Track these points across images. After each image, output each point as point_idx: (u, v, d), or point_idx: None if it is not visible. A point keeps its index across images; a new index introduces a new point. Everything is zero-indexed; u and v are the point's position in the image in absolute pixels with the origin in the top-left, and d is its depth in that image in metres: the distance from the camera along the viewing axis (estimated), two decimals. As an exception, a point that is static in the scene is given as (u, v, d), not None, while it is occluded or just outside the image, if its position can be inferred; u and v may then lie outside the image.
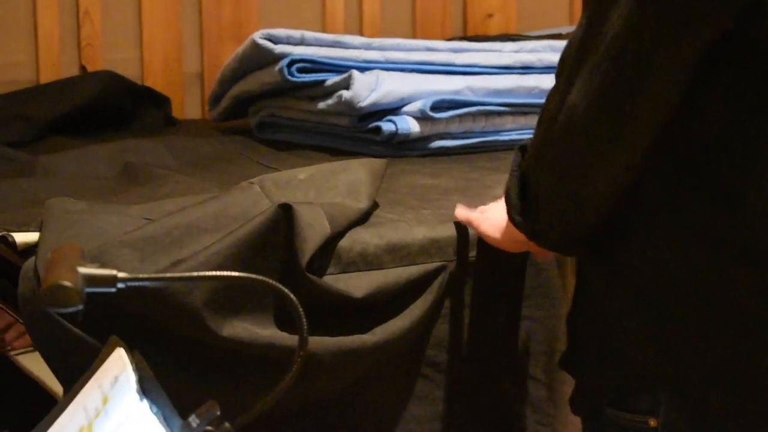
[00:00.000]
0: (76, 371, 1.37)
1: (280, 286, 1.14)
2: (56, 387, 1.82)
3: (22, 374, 2.02)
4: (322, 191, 1.67)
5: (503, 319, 1.65)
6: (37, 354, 1.97)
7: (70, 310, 1.07)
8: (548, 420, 1.66)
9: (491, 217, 1.56)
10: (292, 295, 1.12)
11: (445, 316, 1.62)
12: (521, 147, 1.42)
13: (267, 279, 1.13)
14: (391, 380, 1.60)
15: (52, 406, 1.43)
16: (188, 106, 3.08)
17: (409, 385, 1.60)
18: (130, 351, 1.29)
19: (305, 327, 1.13)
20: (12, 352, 2.08)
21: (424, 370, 1.61)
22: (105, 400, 1.27)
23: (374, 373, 1.58)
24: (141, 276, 1.14)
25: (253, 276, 1.17)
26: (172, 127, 2.72)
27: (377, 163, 1.80)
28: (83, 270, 1.08)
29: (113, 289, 1.11)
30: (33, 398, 1.96)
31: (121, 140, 2.35)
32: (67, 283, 1.05)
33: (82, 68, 2.88)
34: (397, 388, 1.60)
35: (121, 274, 1.10)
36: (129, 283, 1.09)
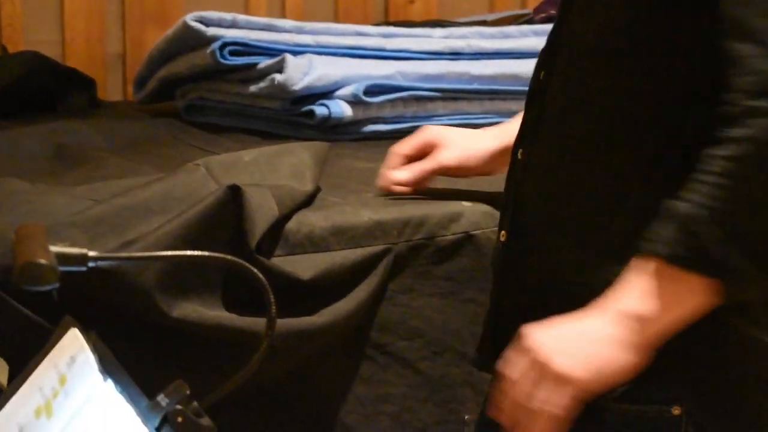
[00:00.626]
0: (26, 353, 1.37)
1: (250, 266, 1.15)
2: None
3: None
4: (267, 173, 1.68)
5: (445, 300, 1.67)
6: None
7: (46, 288, 1.06)
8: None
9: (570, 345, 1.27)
10: (260, 275, 1.13)
11: (390, 299, 1.64)
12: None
13: (239, 260, 1.13)
14: (337, 362, 1.61)
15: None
16: (110, 88, 3.06)
17: (354, 367, 1.62)
18: (85, 331, 1.28)
19: (273, 305, 1.14)
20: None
21: (369, 351, 1.62)
22: (63, 380, 1.26)
23: (321, 354, 1.59)
24: (112, 255, 1.15)
25: (226, 256, 1.17)
26: (98, 108, 2.69)
27: (320, 146, 1.82)
28: (55, 248, 1.08)
29: (84, 268, 1.11)
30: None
31: (52, 122, 2.33)
32: (42, 261, 1.05)
33: (3, 48, 2.85)
34: (343, 369, 1.62)
35: (92, 253, 1.10)
36: (100, 262, 1.09)
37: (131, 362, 1.23)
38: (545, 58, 1.41)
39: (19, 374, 1.36)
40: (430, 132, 1.75)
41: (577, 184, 1.34)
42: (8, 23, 2.91)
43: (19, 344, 1.48)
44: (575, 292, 1.30)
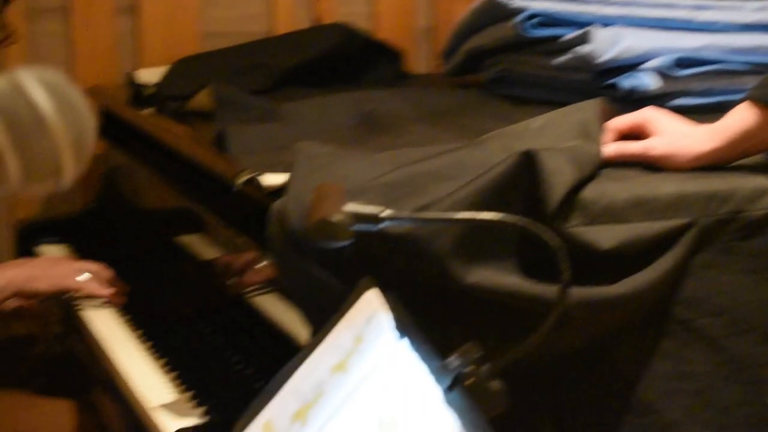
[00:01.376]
0: (324, 312, 1.39)
1: (543, 229, 1.13)
2: (294, 329, 1.85)
3: (258, 317, 2.06)
4: (556, 137, 1.65)
5: (752, 278, 1.60)
6: (274, 296, 2.01)
7: (338, 245, 1.08)
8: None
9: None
10: (554, 238, 1.11)
11: (693, 274, 1.58)
12: None
13: (532, 223, 1.12)
14: (636, 336, 1.57)
15: (289, 348, 1.45)
16: (418, 61, 3.09)
17: (654, 342, 1.57)
18: (383, 292, 1.30)
19: (567, 270, 1.12)
20: (248, 295, 2.12)
21: (670, 327, 1.58)
22: (359, 340, 1.28)
23: (619, 329, 1.55)
24: (404, 215, 1.15)
25: (520, 219, 1.16)
26: (404, 80, 2.73)
27: (601, 103, 1.77)
28: (349, 207, 1.09)
29: (377, 227, 1.12)
30: (269, 340, 2.00)
31: (361, 90, 2.37)
32: (336, 219, 1.06)
33: (316, 20, 2.92)
34: (643, 344, 1.57)
35: (385, 213, 1.11)
36: (392, 222, 1.09)
37: (422, 324, 1.23)
38: None
39: (318, 333, 1.39)
40: (650, 114, 1.71)
41: None
42: (324, -6, 2.99)
43: (318, 304, 1.51)
44: None
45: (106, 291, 2.33)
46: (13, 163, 0.84)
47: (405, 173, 1.55)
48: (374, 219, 1.12)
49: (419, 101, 2.31)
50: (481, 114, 2.27)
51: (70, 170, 0.85)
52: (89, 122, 0.86)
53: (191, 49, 2.86)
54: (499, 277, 1.48)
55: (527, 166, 1.50)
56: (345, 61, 2.69)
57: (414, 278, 1.46)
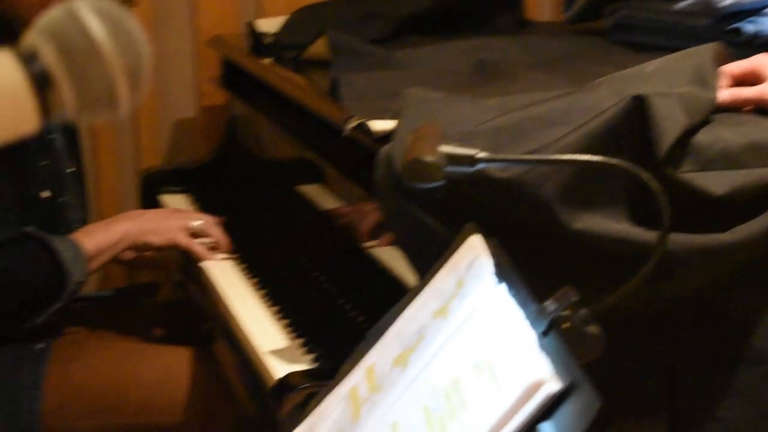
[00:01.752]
0: (429, 258, 1.38)
1: (644, 172, 1.10)
2: (409, 278, 1.85)
3: (373, 266, 2.06)
4: (670, 82, 1.60)
5: None
6: (393, 248, 2.01)
7: (430, 185, 1.06)
8: None
9: None
10: (654, 182, 1.08)
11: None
12: None
13: (630, 164, 1.09)
14: (749, 287, 1.53)
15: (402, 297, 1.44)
16: (539, 8, 3.05)
17: (768, 294, 1.54)
18: (486, 237, 1.28)
19: (667, 216, 1.09)
20: (366, 241, 2.12)
21: (787, 275, 1.54)
22: (460, 284, 1.28)
23: (731, 277, 1.52)
24: (499, 157, 1.13)
25: (621, 162, 1.13)
26: (523, 28, 2.69)
27: (718, 47, 1.72)
28: (444, 148, 1.08)
29: (472, 169, 1.10)
30: (383, 289, 1.99)
31: (476, 38, 2.35)
32: (428, 159, 1.05)
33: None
34: (757, 295, 1.54)
35: (480, 154, 1.09)
36: (488, 164, 1.08)
37: (520, 269, 1.22)
38: None
39: (423, 278, 1.38)
40: (765, 59, 1.65)
41: None
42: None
43: (423, 249, 1.50)
44: None
45: (211, 254, 2.36)
46: (67, 90, 0.84)
47: (513, 118, 1.53)
48: (469, 160, 1.10)
49: (536, 49, 2.28)
50: (599, 61, 2.23)
51: (125, 99, 0.85)
52: (145, 52, 0.86)
53: (311, -2, 2.86)
54: (607, 223, 1.46)
55: (638, 110, 1.47)
56: (463, 9, 2.66)
57: (514, 223, 1.44)
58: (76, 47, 0.84)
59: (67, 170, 2.36)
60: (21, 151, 2.19)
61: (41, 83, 0.84)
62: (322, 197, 2.43)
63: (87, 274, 2.23)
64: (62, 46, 0.84)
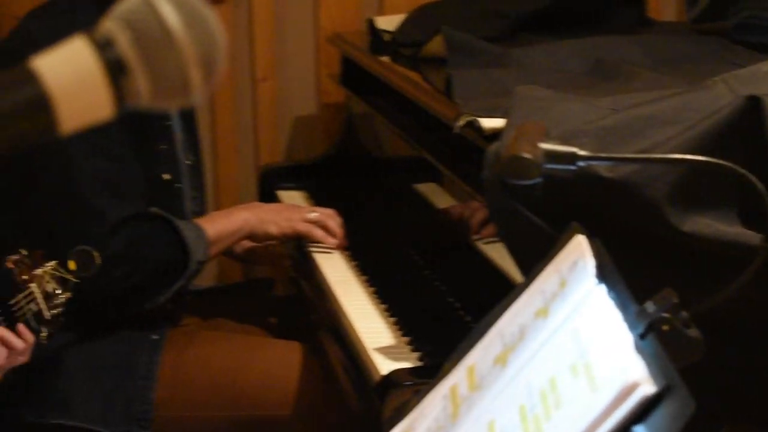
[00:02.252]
0: (534, 256, 1.37)
1: (750, 174, 1.08)
2: (518, 277, 1.83)
3: (485, 265, 2.05)
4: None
5: None
6: (501, 245, 2.00)
7: (528, 182, 1.05)
8: None
9: None
10: (760, 185, 1.06)
11: None
12: None
13: (735, 166, 1.07)
14: None
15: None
16: (664, 8, 3.00)
17: None
18: (590, 238, 1.27)
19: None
20: (478, 240, 2.11)
21: None
22: (562, 284, 1.26)
23: None
24: (600, 155, 1.11)
25: (722, 162, 1.11)
26: (645, 27, 2.65)
27: None
28: (544, 145, 1.06)
29: (573, 167, 1.08)
30: (494, 289, 1.98)
31: (594, 37, 2.32)
32: (526, 155, 1.04)
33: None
34: None
35: (581, 152, 1.07)
36: (589, 162, 1.06)
37: (620, 269, 1.20)
38: None
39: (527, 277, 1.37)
40: None
41: None
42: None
43: (528, 248, 1.48)
44: None
45: (332, 240, 2.37)
46: (142, 78, 0.85)
47: (624, 117, 1.51)
48: (570, 158, 1.08)
49: (655, 48, 2.24)
50: (720, 62, 2.18)
51: (199, 87, 0.85)
52: (218, 40, 0.86)
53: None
54: (718, 225, 1.43)
55: (752, 111, 1.44)
56: (583, 7, 2.62)
57: (616, 222, 1.42)
58: (152, 35, 0.84)
59: (186, 162, 2.38)
60: (143, 133, 2.23)
61: (116, 70, 0.85)
62: (438, 196, 2.42)
63: (208, 257, 2.26)
64: (138, 33, 0.84)
